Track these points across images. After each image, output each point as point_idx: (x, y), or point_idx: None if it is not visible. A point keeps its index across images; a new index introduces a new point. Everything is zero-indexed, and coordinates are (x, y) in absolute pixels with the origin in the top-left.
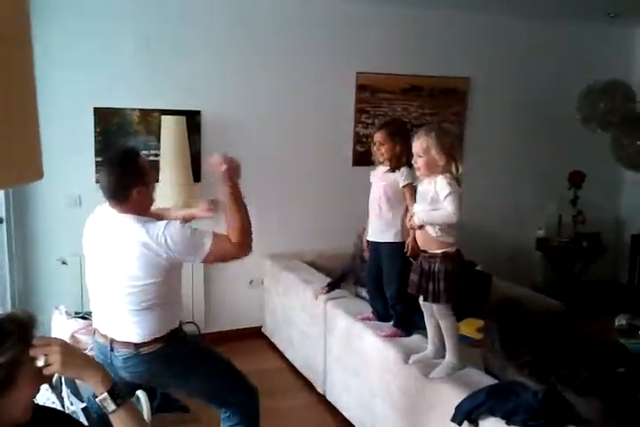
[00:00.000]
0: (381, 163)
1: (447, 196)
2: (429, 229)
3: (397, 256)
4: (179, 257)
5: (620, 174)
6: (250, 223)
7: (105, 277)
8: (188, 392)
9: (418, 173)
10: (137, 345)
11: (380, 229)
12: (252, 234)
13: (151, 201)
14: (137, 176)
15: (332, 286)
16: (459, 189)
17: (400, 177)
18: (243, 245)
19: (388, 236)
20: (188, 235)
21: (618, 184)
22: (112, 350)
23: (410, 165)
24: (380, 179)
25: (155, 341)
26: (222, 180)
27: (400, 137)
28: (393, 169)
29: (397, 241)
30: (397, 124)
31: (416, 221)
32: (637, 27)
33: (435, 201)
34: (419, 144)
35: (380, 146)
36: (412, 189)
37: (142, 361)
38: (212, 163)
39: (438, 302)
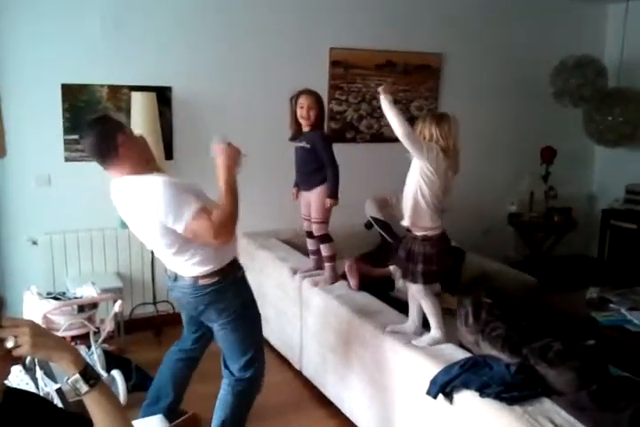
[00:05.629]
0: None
1: None
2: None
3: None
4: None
5: (590, 150)
6: (236, 213)
7: (144, 237)
8: (222, 330)
9: None
10: (195, 278)
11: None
12: (235, 223)
13: (140, 153)
14: (115, 126)
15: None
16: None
17: None
18: (223, 229)
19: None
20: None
21: (589, 159)
22: (175, 280)
23: None
24: None
25: (211, 274)
26: (217, 166)
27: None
28: None
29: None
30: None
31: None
32: (609, 2)
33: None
34: None
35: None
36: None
37: (199, 291)
38: (214, 149)
39: (415, 282)
